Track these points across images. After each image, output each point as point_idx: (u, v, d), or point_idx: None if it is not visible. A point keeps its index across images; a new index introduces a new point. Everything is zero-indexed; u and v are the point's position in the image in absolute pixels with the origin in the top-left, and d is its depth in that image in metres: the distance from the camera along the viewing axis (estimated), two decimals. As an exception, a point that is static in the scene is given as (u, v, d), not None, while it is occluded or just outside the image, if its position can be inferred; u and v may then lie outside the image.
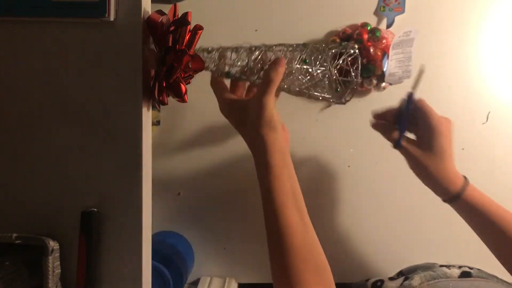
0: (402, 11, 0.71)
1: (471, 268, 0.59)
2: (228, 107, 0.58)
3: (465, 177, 0.59)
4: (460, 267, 0.60)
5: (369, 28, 0.69)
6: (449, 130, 0.57)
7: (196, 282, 0.72)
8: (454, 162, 0.58)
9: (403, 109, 0.59)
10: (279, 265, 0.50)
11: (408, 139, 0.59)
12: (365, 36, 0.68)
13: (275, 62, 0.53)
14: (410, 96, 0.58)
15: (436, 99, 0.72)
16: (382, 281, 0.64)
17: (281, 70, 0.52)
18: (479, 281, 0.56)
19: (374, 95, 0.72)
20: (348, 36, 0.70)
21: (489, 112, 0.73)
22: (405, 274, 0.64)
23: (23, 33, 0.48)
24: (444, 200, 0.59)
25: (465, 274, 0.58)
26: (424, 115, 0.57)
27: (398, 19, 0.71)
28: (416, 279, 0.58)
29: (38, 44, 0.48)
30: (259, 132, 0.52)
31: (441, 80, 0.73)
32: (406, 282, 0.59)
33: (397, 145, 0.59)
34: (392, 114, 0.61)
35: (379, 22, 0.71)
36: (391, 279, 0.64)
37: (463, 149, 0.73)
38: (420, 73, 0.60)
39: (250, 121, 0.54)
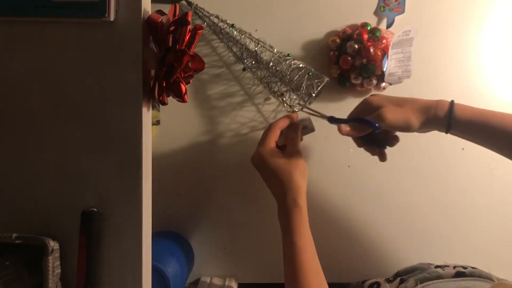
0: (402, 11, 0.71)
1: (465, 268, 0.60)
2: (267, 158, 0.60)
3: (452, 100, 0.56)
4: (454, 267, 0.60)
5: (369, 28, 0.69)
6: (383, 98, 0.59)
7: (196, 282, 0.72)
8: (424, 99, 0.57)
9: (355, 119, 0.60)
10: None
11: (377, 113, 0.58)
12: (365, 36, 0.68)
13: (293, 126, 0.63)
14: (332, 120, 0.61)
15: (437, 95, 0.73)
16: (378, 284, 0.64)
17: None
18: (466, 281, 0.56)
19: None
20: (348, 36, 0.70)
21: (489, 112, 0.73)
22: (402, 275, 0.64)
23: (23, 33, 0.48)
24: (446, 131, 0.57)
25: (459, 274, 0.58)
26: (365, 106, 0.59)
27: (398, 19, 0.71)
28: (410, 282, 0.59)
29: (38, 44, 0.48)
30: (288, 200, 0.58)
31: (441, 80, 0.73)
32: (402, 285, 0.59)
33: (376, 128, 0.57)
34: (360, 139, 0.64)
35: (379, 22, 0.71)
36: (387, 281, 0.64)
37: (463, 149, 0.73)
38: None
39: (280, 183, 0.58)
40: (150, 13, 0.49)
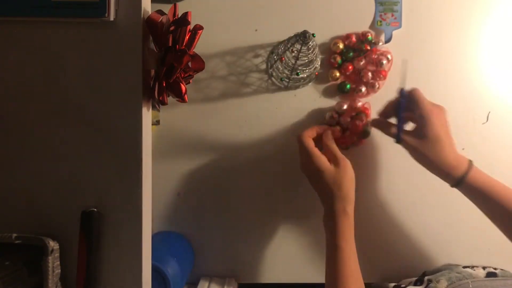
0: (399, 26, 0.71)
1: (495, 269, 0.59)
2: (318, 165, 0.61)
3: (470, 161, 0.60)
4: (484, 268, 0.60)
5: (370, 38, 0.70)
6: (441, 117, 0.60)
7: (196, 282, 0.72)
8: (455, 148, 0.60)
9: (398, 104, 0.61)
10: None
11: (407, 131, 0.61)
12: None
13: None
14: (401, 91, 0.61)
15: (436, 99, 0.73)
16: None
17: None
18: (500, 281, 0.56)
19: (371, 97, 0.72)
20: (352, 46, 0.70)
21: (489, 112, 0.73)
22: (428, 275, 0.63)
23: (23, 33, 0.48)
24: (452, 185, 0.61)
25: (491, 275, 0.58)
26: (416, 106, 0.60)
27: (395, 34, 0.71)
28: (442, 282, 0.58)
29: (38, 44, 0.48)
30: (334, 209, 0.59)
31: (441, 80, 0.73)
32: (431, 285, 0.58)
33: (397, 139, 0.61)
34: (390, 110, 0.64)
35: (377, 36, 0.71)
36: (416, 283, 0.63)
37: (463, 149, 0.73)
38: (404, 66, 0.64)
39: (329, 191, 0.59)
40: (150, 13, 0.49)
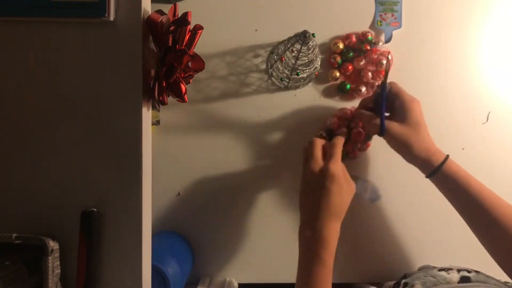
0: (399, 26, 0.71)
1: (469, 272, 0.59)
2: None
3: (448, 155, 0.62)
4: (459, 270, 0.60)
5: (370, 38, 0.70)
6: (419, 106, 0.62)
7: (196, 282, 0.72)
8: (431, 139, 0.62)
9: (379, 97, 0.63)
10: None
11: (389, 121, 0.62)
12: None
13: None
14: (383, 85, 0.62)
15: (436, 99, 0.73)
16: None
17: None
18: (479, 286, 0.56)
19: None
20: (352, 46, 0.70)
21: (489, 112, 0.73)
22: (408, 277, 0.64)
23: (23, 33, 0.48)
24: (428, 175, 0.62)
25: (465, 279, 0.58)
26: (397, 97, 0.62)
27: (396, 34, 0.71)
28: (417, 286, 0.58)
29: (38, 44, 0.48)
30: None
31: (441, 80, 0.73)
32: None
33: (381, 131, 0.62)
34: (369, 103, 0.65)
35: (377, 36, 0.71)
36: (393, 287, 0.63)
37: (463, 149, 0.73)
38: (387, 63, 0.67)
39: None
40: (150, 13, 0.49)
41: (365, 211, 0.73)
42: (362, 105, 0.67)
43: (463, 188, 0.59)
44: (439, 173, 0.60)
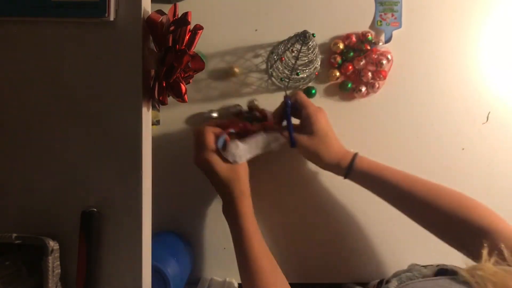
0: (399, 26, 0.71)
1: (447, 266, 0.59)
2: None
3: (356, 152, 0.64)
4: (438, 265, 0.60)
5: (370, 38, 0.70)
6: (324, 115, 0.65)
7: (196, 282, 0.72)
8: (340, 143, 0.65)
9: (285, 110, 0.64)
10: None
11: (297, 133, 0.64)
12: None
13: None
14: (286, 97, 0.64)
15: (436, 99, 0.73)
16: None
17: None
18: (443, 280, 0.56)
19: (372, 97, 0.72)
20: (352, 46, 0.70)
21: (489, 112, 0.73)
22: (396, 277, 0.63)
23: (23, 33, 0.48)
24: (344, 176, 0.65)
25: (442, 272, 0.58)
26: (302, 107, 0.64)
27: (395, 34, 0.71)
28: (393, 282, 0.58)
29: (38, 44, 0.48)
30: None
31: (441, 80, 0.73)
32: (385, 286, 0.59)
33: (292, 143, 0.64)
34: (278, 117, 0.67)
35: (377, 36, 0.71)
36: (377, 285, 0.64)
37: (463, 149, 0.73)
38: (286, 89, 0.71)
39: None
40: (150, 13, 0.49)
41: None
42: (276, 116, 0.67)
43: (380, 180, 0.62)
44: (353, 172, 0.63)
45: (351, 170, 0.63)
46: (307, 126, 0.64)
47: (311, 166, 0.71)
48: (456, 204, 0.58)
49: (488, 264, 0.46)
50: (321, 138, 0.63)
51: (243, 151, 0.63)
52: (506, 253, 0.47)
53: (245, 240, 0.59)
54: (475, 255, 0.50)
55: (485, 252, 0.47)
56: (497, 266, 0.45)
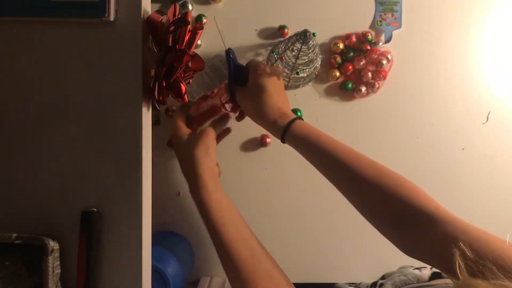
0: (399, 26, 0.71)
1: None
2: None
3: (300, 117, 0.62)
4: (432, 268, 0.59)
5: (370, 38, 0.70)
6: (263, 69, 0.62)
7: (196, 282, 0.72)
8: (287, 104, 0.63)
9: (228, 64, 0.63)
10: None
11: (237, 88, 0.63)
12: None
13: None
14: (227, 51, 0.63)
15: (436, 99, 0.73)
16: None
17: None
18: (439, 284, 0.55)
19: (372, 97, 0.72)
20: (352, 46, 0.70)
21: (489, 112, 0.73)
22: (386, 277, 0.63)
23: (23, 33, 0.48)
24: (281, 138, 0.60)
25: (436, 275, 0.57)
26: (246, 66, 0.63)
27: (395, 34, 0.71)
28: (387, 286, 0.58)
29: (37, 44, 0.48)
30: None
31: (441, 80, 0.73)
32: None
33: (232, 98, 0.63)
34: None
35: (377, 36, 0.71)
36: (371, 285, 0.63)
37: (463, 149, 0.73)
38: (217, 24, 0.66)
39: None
40: (150, 13, 0.49)
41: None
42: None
43: (316, 146, 0.57)
44: (288, 134, 0.59)
45: (288, 131, 0.58)
46: (244, 80, 0.62)
47: (307, 165, 0.70)
48: (398, 183, 0.52)
49: (479, 281, 0.35)
50: (257, 90, 0.60)
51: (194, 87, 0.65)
52: (469, 254, 0.39)
53: (212, 223, 0.56)
54: (413, 245, 0.46)
55: (458, 260, 0.38)
56: (485, 281, 0.35)
